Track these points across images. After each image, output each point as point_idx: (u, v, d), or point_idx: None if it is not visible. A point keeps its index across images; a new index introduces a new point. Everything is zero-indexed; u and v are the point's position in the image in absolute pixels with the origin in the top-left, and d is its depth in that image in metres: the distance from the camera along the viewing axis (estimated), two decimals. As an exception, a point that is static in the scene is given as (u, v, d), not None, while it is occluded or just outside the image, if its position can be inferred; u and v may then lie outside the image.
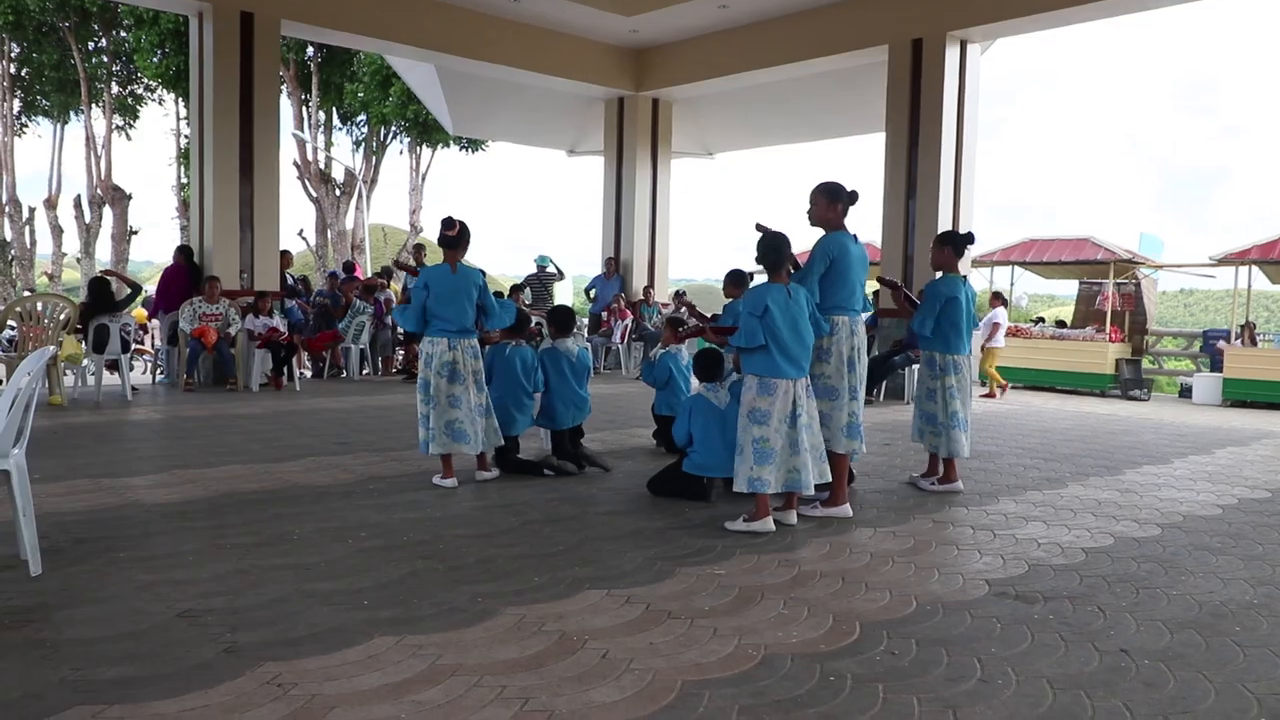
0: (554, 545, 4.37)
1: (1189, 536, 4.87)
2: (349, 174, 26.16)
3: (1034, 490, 6.01)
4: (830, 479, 4.93)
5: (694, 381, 5.69)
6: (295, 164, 25.46)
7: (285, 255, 12.44)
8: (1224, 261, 14.61)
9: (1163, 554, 4.50)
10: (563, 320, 6.57)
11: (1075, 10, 10.64)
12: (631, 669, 2.92)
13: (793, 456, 4.68)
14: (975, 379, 11.35)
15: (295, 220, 54.94)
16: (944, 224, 11.70)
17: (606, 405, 9.82)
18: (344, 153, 28.99)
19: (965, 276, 6.04)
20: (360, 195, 26.16)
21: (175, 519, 4.70)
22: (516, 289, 13.92)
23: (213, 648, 3.00)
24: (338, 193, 26.14)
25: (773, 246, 4.75)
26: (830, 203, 5.13)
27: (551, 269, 15.15)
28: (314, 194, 25.68)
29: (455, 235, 5.62)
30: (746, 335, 4.63)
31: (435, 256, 7.43)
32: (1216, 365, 14.64)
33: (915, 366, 11.23)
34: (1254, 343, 14.47)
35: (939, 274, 5.99)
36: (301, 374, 11.74)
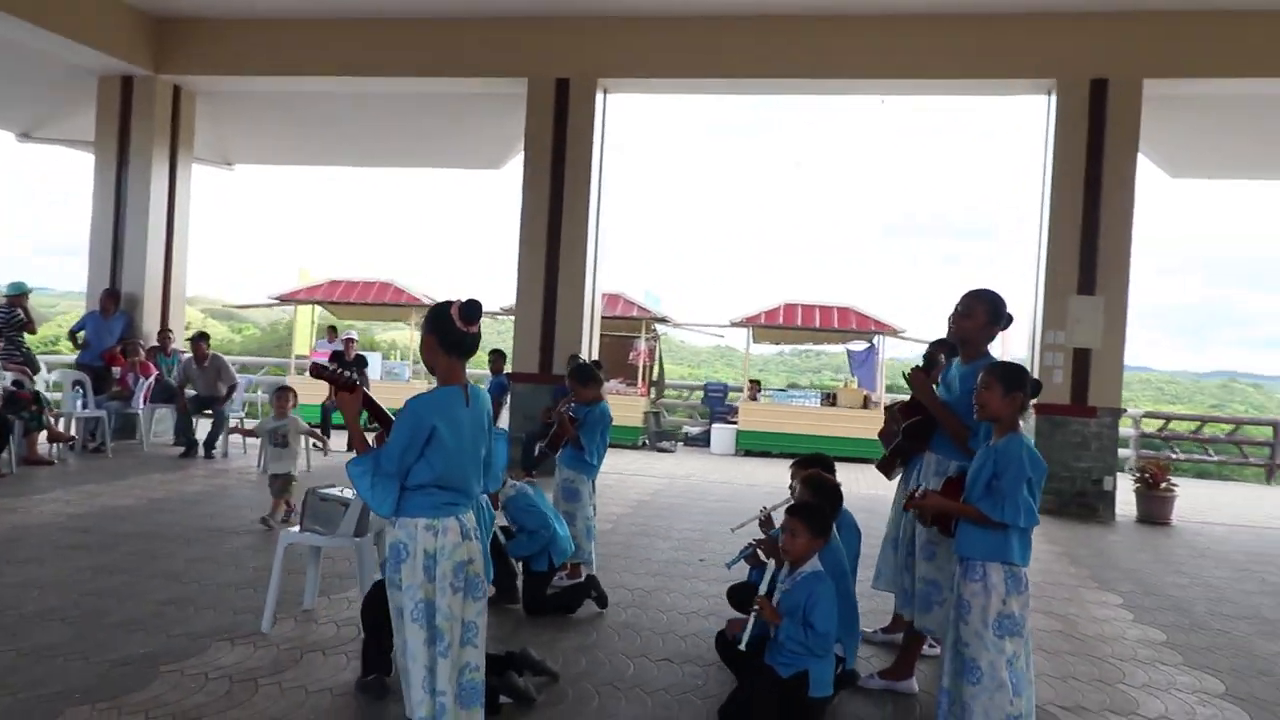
0: None
1: None
2: None
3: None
4: None
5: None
6: None
7: None
8: (736, 324, 16.16)
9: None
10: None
11: (710, 82, 10.65)
12: None
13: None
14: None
15: None
16: (589, 279, 10.71)
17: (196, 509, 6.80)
18: None
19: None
20: None
21: None
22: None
23: None
24: None
25: (1021, 376, 3.38)
26: (992, 323, 3.94)
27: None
28: None
29: (477, 331, 3.04)
30: (1028, 511, 3.23)
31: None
32: (716, 416, 16.20)
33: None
34: (755, 398, 16.14)
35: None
36: None
